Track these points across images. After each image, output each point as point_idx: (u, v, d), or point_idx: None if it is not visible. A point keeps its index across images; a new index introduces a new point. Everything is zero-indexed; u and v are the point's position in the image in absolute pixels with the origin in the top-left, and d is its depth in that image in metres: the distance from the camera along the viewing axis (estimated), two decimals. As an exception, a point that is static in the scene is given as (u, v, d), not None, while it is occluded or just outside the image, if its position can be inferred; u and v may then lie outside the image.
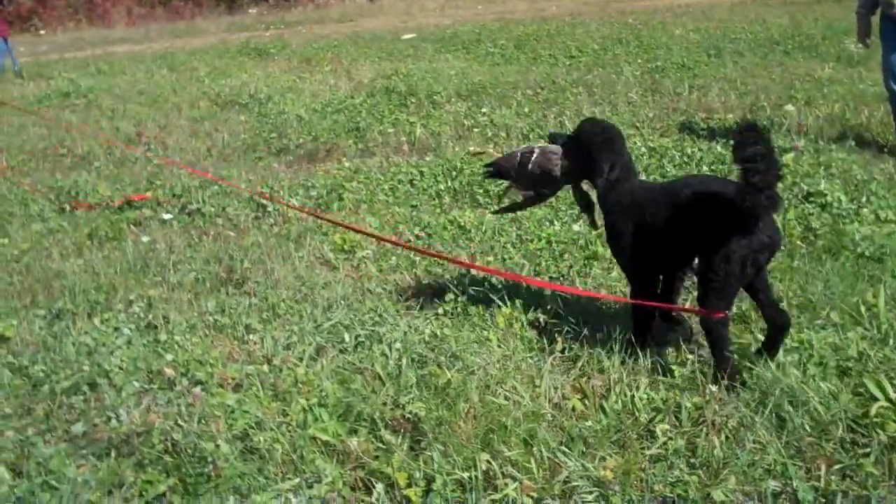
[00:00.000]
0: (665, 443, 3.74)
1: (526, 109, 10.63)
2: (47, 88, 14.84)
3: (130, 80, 15.37)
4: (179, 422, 3.97)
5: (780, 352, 4.23)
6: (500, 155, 5.20)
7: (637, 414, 3.95)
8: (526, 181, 4.86)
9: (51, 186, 8.45)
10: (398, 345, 4.67)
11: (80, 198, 8.04)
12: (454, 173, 7.79)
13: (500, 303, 5.07)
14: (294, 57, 16.86)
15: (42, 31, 27.65)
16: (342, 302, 5.46)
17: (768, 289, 4.32)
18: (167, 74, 15.88)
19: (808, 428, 3.72)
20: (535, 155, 4.82)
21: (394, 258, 6.13)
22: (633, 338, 4.50)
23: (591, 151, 4.54)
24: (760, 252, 4.02)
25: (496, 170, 4.98)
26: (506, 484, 3.55)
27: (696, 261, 4.19)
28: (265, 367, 4.61)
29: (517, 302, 5.08)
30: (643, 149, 8.34)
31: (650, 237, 4.33)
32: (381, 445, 3.90)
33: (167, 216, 7.36)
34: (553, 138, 4.90)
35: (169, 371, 4.61)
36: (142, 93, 13.95)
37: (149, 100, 13.40)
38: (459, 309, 5.23)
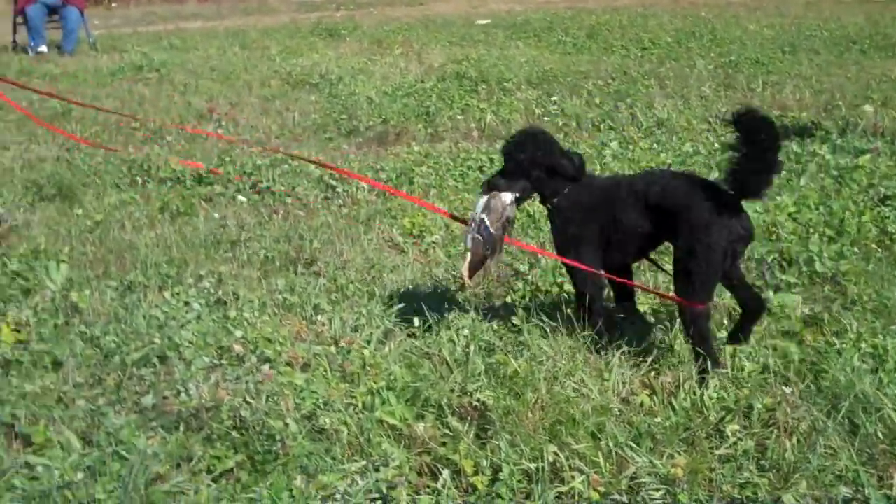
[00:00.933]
0: (734, 443, 3.70)
1: (597, 100, 10.57)
2: (121, 62, 14.94)
3: (202, 56, 15.46)
4: (248, 399, 4.00)
5: (854, 357, 4.18)
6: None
7: (706, 413, 3.91)
8: (498, 244, 4.51)
9: (123, 159, 8.52)
10: (466, 331, 4.67)
11: (151, 171, 8.11)
12: (524, 161, 7.75)
13: (572, 295, 5.05)
14: (365, 39, 16.89)
15: (114, 5, 27.89)
16: (410, 286, 5.48)
17: (742, 276, 4.45)
18: (239, 52, 15.96)
19: (881, 435, 3.66)
20: (488, 223, 4.43)
21: (461, 244, 6.12)
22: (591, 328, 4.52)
23: (537, 162, 4.47)
24: (738, 242, 4.16)
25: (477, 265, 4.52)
26: (572, 477, 3.53)
27: (674, 254, 4.28)
28: (332, 349, 4.63)
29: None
30: (716, 144, 8.26)
31: (618, 234, 4.41)
32: (447, 432, 3.90)
33: (241, 198, 7.41)
34: (492, 185, 4.57)
35: (238, 348, 4.65)
36: (214, 69, 14.03)
37: (220, 76, 13.47)
38: (528, 298, 5.23)
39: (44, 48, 16.61)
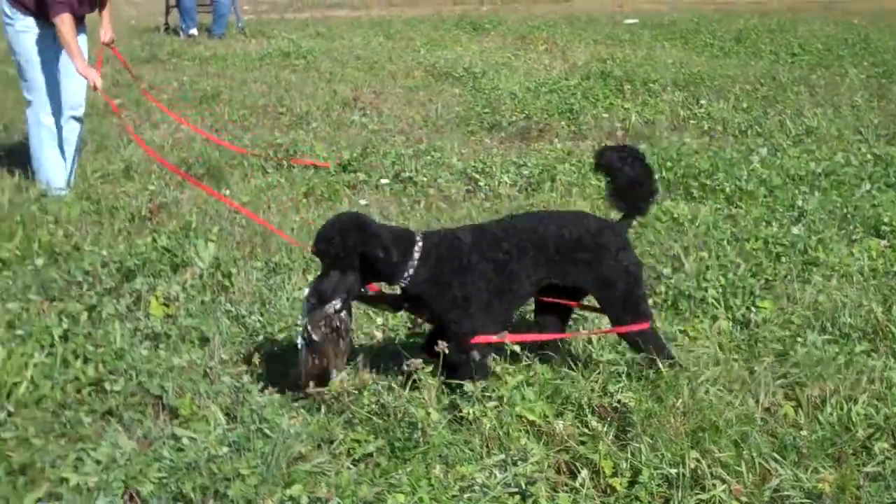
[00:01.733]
0: (883, 461, 3.60)
1: (744, 104, 10.39)
2: (268, 47, 15.22)
3: (348, 45, 15.65)
4: (392, 384, 4.04)
5: None
6: None
7: (853, 429, 3.82)
8: (331, 354, 4.01)
9: (269, 142, 8.68)
10: (605, 331, 4.64)
11: (297, 156, 8.24)
12: (669, 164, 7.67)
13: (715, 302, 4.99)
14: (509, 34, 16.89)
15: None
16: (550, 283, 5.46)
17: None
18: (384, 42, 16.11)
19: None
20: (311, 331, 3.97)
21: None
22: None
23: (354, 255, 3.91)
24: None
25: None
26: (713, 485, 3.48)
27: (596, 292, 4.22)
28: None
29: (730, 300, 5.01)
30: (868, 155, 8.05)
31: (512, 281, 4.07)
32: (586, 431, 3.87)
33: (384, 181, 7.49)
34: (318, 293, 3.98)
35: (378, 334, 4.70)
36: (359, 58, 14.19)
37: (365, 65, 13.61)
38: (670, 301, 5.18)
39: (195, 31, 17.01)
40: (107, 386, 4.19)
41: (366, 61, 13.94)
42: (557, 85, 11.37)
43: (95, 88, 7.21)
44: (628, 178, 4.16)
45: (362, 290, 4.08)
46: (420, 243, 3.97)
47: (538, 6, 23.47)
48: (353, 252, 3.88)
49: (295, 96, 11.25)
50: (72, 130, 7.37)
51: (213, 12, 17.23)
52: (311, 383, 3.98)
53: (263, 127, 9.76)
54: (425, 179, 7.52)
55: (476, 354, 4.04)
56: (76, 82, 7.28)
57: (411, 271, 3.96)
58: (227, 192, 7.20)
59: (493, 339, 4.04)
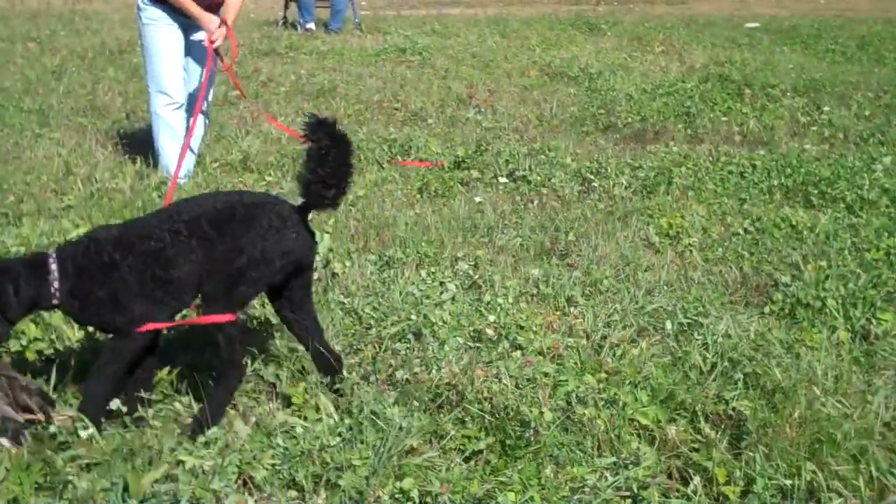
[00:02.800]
0: None
1: (867, 112, 10.15)
2: (384, 43, 15.30)
3: (463, 43, 15.65)
4: (504, 382, 4.04)
5: None
6: None
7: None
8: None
9: (384, 138, 8.73)
10: (720, 339, 4.58)
11: (411, 153, 8.29)
12: (788, 170, 7.54)
13: (834, 312, 4.90)
14: (625, 35, 16.73)
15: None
16: (665, 287, 5.41)
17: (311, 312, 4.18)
18: (499, 40, 16.07)
19: None
20: None
21: (720, 249, 6.01)
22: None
23: None
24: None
25: None
26: (830, 498, 3.42)
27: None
28: (584, 342, 4.63)
29: (850, 311, 4.92)
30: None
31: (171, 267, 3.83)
32: (699, 437, 3.84)
33: (503, 179, 7.49)
34: None
35: (490, 332, 4.70)
36: (474, 56, 14.18)
37: (480, 63, 13.60)
38: (787, 310, 5.09)
39: (312, 25, 17.16)
40: (222, 371, 4.25)
41: (481, 59, 13.93)
42: (674, 87, 11.24)
43: (221, 60, 7.36)
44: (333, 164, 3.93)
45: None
46: (53, 262, 3.78)
47: (655, 7, 23.21)
48: None
49: (410, 92, 11.30)
50: (197, 125, 7.46)
51: (330, 7, 17.36)
52: None
53: (378, 122, 9.82)
54: (539, 178, 7.50)
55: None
56: (201, 77, 7.40)
57: (54, 289, 3.77)
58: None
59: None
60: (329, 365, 4.11)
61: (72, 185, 7.04)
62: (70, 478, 3.40)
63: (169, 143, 7.31)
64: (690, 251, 6.03)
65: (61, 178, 7.25)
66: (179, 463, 3.51)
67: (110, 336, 3.91)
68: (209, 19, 7.17)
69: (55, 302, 3.77)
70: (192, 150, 7.44)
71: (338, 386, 4.09)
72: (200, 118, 7.46)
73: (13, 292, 3.69)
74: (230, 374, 3.90)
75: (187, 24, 7.26)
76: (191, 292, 3.92)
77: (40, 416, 3.73)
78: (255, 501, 3.35)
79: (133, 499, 3.34)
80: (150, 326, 3.82)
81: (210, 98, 7.70)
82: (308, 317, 4.13)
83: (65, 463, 3.49)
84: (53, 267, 3.75)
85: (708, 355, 4.45)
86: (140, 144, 8.13)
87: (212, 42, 7.19)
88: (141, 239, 3.82)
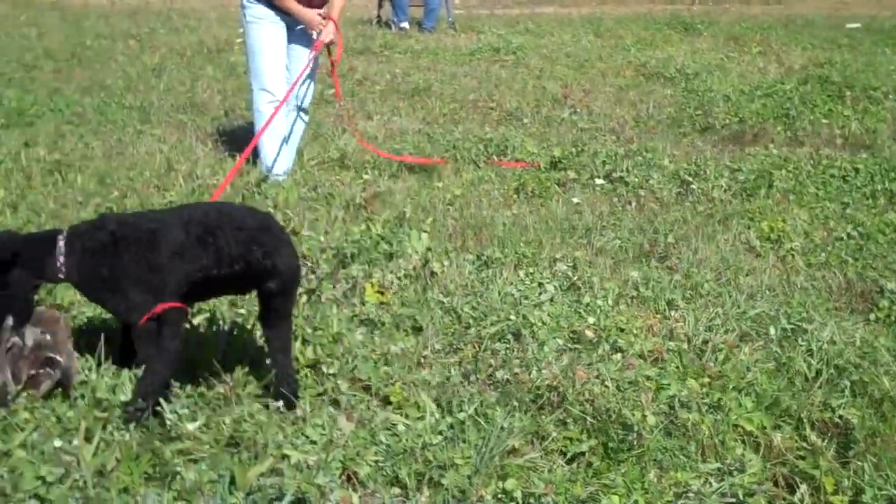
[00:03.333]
0: None
1: (975, 116, 9.92)
2: (478, 42, 15.32)
3: (557, 42, 15.60)
4: (605, 385, 4.02)
5: None
6: None
7: None
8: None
9: (480, 137, 8.74)
10: (825, 345, 4.51)
11: (507, 153, 8.29)
12: (892, 174, 7.39)
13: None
14: (721, 35, 16.53)
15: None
16: (767, 292, 5.34)
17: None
18: (593, 40, 15.99)
19: None
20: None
21: (823, 254, 5.92)
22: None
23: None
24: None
25: None
26: (942, 510, 3.35)
27: None
28: (685, 346, 4.59)
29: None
30: None
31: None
32: (805, 445, 3.78)
33: (599, 181, 7.45)
34: None
35: (590, 334, 4.68)
36: (568, 55, 14.13)
37: (575, 63, 13.55)
38: (893, 317, 5.00)
39: (406, 24, 17.24)
40: (323, 368, 4.29)
41: (575, 59, 13.87)
42: (773, 89, 11.08)
43: (329, 55, 7.56)
44: None
45: None
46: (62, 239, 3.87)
47: (751, 7, 22.89)
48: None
49: (504, 92, 11.29)
50: (296, 122, 7.57)
51: (424, 6, 17.43)
52: None
53: (473, 121, 9.83)
54: (637, 180, 7.44)
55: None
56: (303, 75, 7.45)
57: (60, 263, 3.85)
58: (440, 184, 7.28)
59: None
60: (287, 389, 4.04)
61: (173, 181, 7.14)
62: (178, 469, 3.46)
63: (269, 139, 7.36)
64: (793, 255, 5.94)
65: (163, 174, 7.36)
66: (284, 457, 3.54)
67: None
68: (312, 17, 7.27)
69: (61, 276, 3.88)
70: (291, 148, 7.52)
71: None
72: (300, 116, 7.54)
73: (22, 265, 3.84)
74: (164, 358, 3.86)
75: (291, 23, 7.32)
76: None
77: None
78: (360, 497, 3.37)
79: (239, 491, 3.39)
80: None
81: (311, 96, 7.74)
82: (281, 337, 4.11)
83: (173, 455, 3.54)
84: (61, 244, 3.86)
85: (813, 362, 4.37)
86: (239, 141, 8.22)
87: (319, 40, 7.33)
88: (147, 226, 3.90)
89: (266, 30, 7.28)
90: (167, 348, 3.79)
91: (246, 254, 3.84)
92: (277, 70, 7.36)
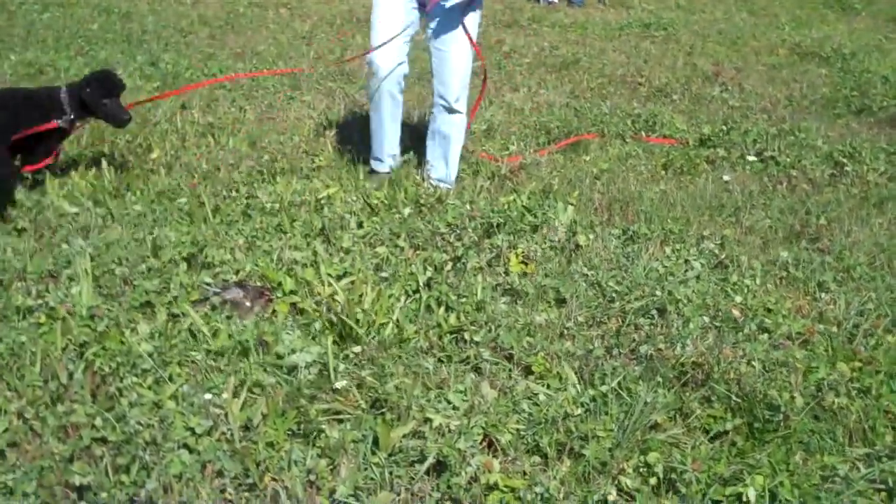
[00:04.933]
0: None
1: None
2: (628, 17, 15.14)
3: (709, 19, 15.33)
4: (753, 363, 3.95)
5: None
6: None
7: None
8: None
9: (627, 113, 8.65)
10: None
11: (655, 129, 8.19)
12: None
13: None
14: (881, 15, 16.05)
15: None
16: (923, 278, 5.18)
17: None
18: (746, 17, 15.67)
19: None
20: None
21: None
22: None
23: None
24: None
25: None
26: None
27: None
28: (835, 329, 4.49)
29: None
30: None
31: None
32: (960, 435, 3.67)
33: (750, 158, 7.31)
34: None
35: (736, 312, 4.60)
36: (720, 32, 13.87)
37: (727, 40, 13.29)
38: None
39: (555, -2, 17.15)
40: (466, 336, 4.31)
41: (727, 36, 13.61)
42: (934, 71, 10.72)
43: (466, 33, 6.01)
44: None
45: None
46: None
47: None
48: None
49: (654, 67, 11.14)
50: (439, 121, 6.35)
51: (574, -20, 17.32)
52: None
53: (621, 97, 9.72)
54: (788, 160, 7.28)
55: None
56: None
57: None
58: (587, 157, 7.24)
59: None
60: None
61: (322, 146, 7.24)
62: (323, 427, 3.52)
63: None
64: (951, 240, 5.75)
65: (312, 139, 7.47)
66: (427, 421, 3.58)
67: None
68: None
69: None
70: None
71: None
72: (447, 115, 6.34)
73: None
74: None
75: None
76: None
77: None
78: (500, 463, 3.39)
79: (382, 451, 3.43)
80: None
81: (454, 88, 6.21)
82: None
83: (318, 413, 3.61)
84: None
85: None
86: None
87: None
88: None
89: None
90: None
91: None
92: (381, 31, 6.05)
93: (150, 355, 3.92)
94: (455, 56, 6.02)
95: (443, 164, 6.40)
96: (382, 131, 6.39)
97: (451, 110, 6.19)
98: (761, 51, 12.63)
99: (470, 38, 6.00)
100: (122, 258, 4.87)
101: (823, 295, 4.88)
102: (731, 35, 13.66)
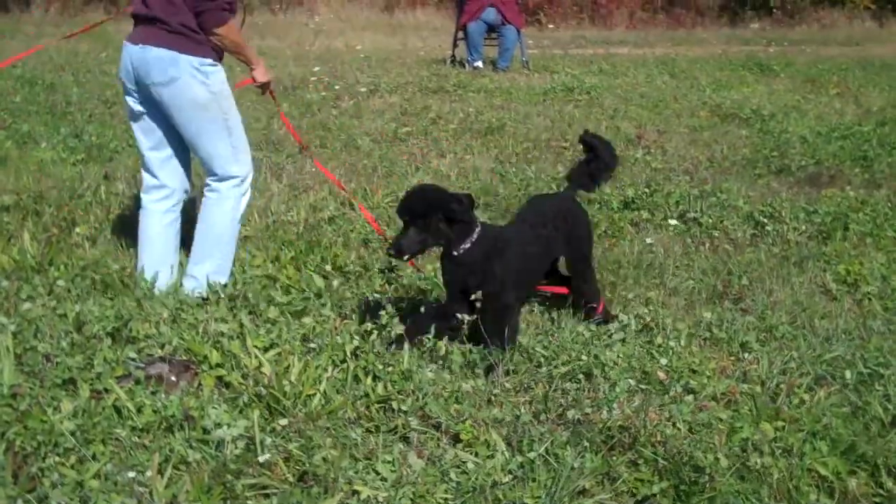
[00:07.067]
0: None
1: None
2: (551, 82, 15.34)
3: (632, 82, 15.59)
4: (679, 425, 3.99)
5: None
6: None
7: None
8: None
9: (552, 177, 8.75)
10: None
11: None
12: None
13: None
14: (798, 76, 16.43)
15: (550, 25, 28.67)
16: (843, 336, 5.26)
17: None
18: (668, 80, 15.96)
19: None
20: None
21: (905, 301, 5.84)
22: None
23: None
24: None
25: None
26: None
27: None
28: (759, 388, 4.55)
29: None
30: None
31: None
32: (881, 492, 3.72)
33: (672, 221, 7.41)
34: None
35: (661, 375, 4.65)
36: (643, 96, 14.10)
37: (649, 104, 13.50)
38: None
39: (480, 63, 17.36)
40: (394, 405, 4.30)
41: (649, 99, 13.84)
42: (850, 130, 10.97)
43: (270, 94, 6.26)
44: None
45: None
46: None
47: (828, 48, 22.72)
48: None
49: (578, 131, 11.22)
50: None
51: (498, 46, 17.54)
52: None
53: (546, 161, 9.83)
54: (710, 221, 7.38)
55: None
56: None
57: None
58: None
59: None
60: None
61: (249, 216, 7.22)
62: (249, 502, 3.49)
63: None
64: (869, 299, 5.86)
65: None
66: (355, 493, 3.56)
67: None
68: (262, 62, 6.05)
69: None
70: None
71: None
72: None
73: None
74: None
75: None
76: None
77: None
78: (429, 535, 3.38)
79: (309, 526, 3.41)
80: None
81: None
82: None
83: (244, 488, 3.58)
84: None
85: (890, 406, 4.30)
86: (313, 179, 8.31)
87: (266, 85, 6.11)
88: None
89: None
90: None
91: None
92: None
93: (73, 434, 3.85)
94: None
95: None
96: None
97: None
98: (683, 113, 12.84)
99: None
100: (44, 334, 4.81)
101: (747, 355, 4.96)
102: (653, 98, 13.88)
